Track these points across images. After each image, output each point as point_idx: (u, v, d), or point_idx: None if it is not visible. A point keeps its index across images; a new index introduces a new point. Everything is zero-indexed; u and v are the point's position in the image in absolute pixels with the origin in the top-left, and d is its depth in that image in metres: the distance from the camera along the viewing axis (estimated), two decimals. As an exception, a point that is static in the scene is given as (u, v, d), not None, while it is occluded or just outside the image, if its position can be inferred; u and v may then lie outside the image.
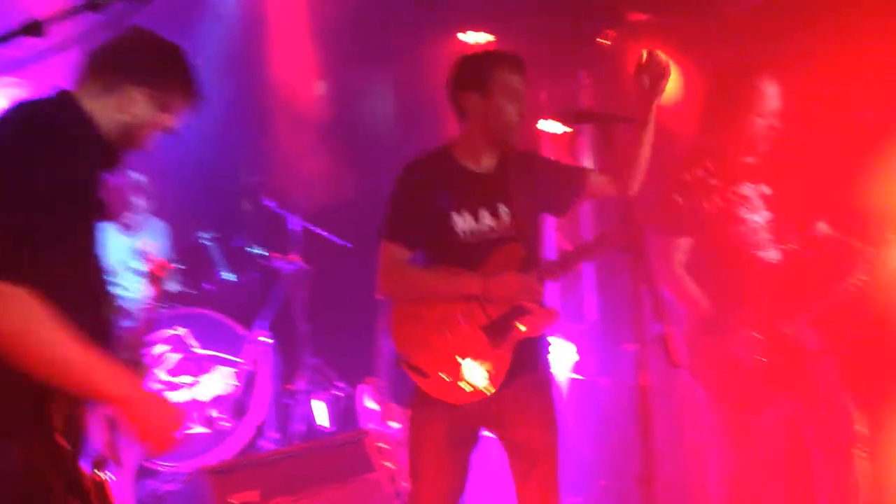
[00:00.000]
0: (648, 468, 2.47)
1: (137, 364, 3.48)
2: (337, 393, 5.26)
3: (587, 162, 4.70)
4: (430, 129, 5.43)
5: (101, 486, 2.06)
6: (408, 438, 3.03)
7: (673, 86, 4.73)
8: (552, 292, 5.16)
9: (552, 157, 3.19)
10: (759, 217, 3.53)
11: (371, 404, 4.60)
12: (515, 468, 3.00)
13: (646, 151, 3.08)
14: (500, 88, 2.95)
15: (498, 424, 2.99)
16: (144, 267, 3.69)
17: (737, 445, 3.54)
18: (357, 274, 4.69)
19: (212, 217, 5.42)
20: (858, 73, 3.89)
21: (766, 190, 3.56)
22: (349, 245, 5.36)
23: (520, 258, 2.99)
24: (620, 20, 4.90)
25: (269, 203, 5.32)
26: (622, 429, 4.36)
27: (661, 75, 2.97)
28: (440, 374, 2.91)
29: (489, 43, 5.14)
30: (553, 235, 5.02)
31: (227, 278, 5.35)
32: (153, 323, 3.72)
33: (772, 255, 3.52)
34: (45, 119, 2.05)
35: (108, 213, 2.12)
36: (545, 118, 3.98)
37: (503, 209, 3.01)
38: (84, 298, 2.05)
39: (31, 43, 1.88)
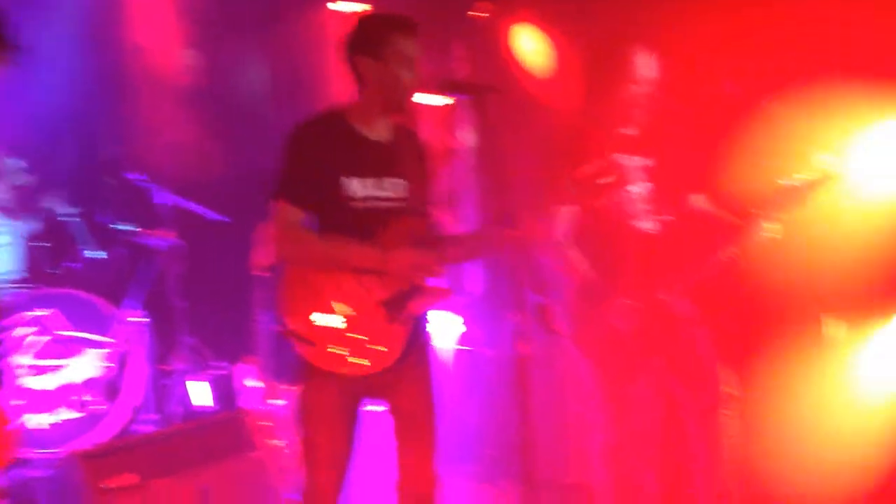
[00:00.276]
0: (527, 436, 2.50)
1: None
2: (216, 372, 5.15)
3: (464, 135, 4.72)
4: (303, 98, 5.35)
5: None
6: (297, 412, 2.97)
7: (547, 59, 4.81)
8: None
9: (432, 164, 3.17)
10: (637, 188, 3.59)
11: (252, 382, 4.52)
12: (400, 434, 3.00)
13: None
14: (395, 53, 2.91)
15: (386, 394, 2.98)
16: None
17: (615, 412, 3.61)
18: (233, 249, 4.62)
19: (73, 192, 5.17)
20: (730, 44, 3.98)
21: (645, 161, 3.62)
22: (224, 219, 5.23)
23: (417, 233, 2.97)
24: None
25: (134, 176, 5.11)
26: (506, 399, 4.42)
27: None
28: (332, 345, 2.86)
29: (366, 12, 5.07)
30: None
31: (93, 256, 5.14)
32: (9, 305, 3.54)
33: (649, 225, 3.59)
34: None
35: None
36: (421, 91, 3.95)
37: (399, 181, 2.98)
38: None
39: None
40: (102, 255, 5.18)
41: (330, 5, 5.15)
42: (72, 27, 5.06)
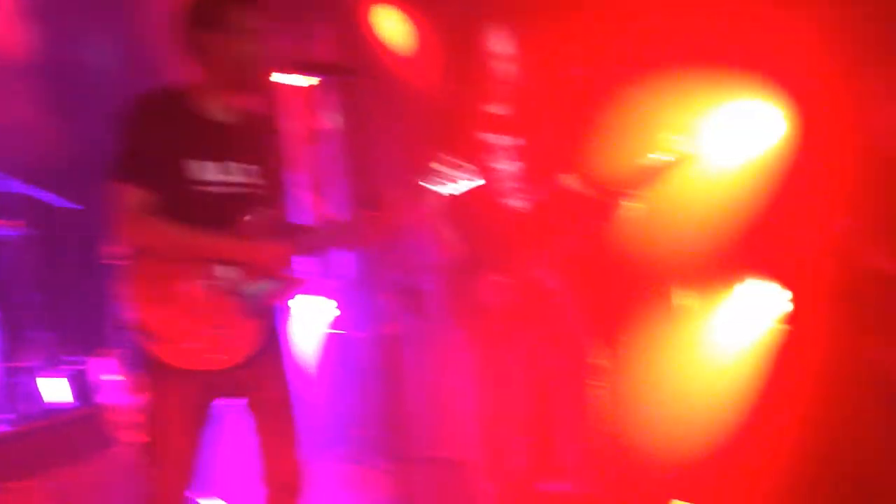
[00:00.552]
0: (398, 414, 2.50)
1: None
2: (73, 367, 4.91)
3: (329, 117, 4.65)
4: (158, 75, 5.12)
5: None
6: (145, 409, 2.82)
7: (409, 39, 4.79)
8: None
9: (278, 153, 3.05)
10: (507, 166, 3.65)
11: (110, 376, 4.35)
12: (260, 427, 2.92)
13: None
14: (233, 25, 2.77)
15: (242, 389, 2.88)
16: None
17: (488, 385, 3.69)
18: (86, 237, 4.39)
19: None
20: (590, 29, 4.06)
21: (514, 140, 3.68)
22: (74, 206, 4.98)
23: (271, 222, 2.87)
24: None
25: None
26: (379, 379, 4.41)
27: None
28: (183, 340, 2.73)
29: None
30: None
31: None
32: None
33: (519, 203, 3.66)
34: None
35: None
36: (282, 71, 3.88)
37: (248, 166, 2.86)
38: None
39: None
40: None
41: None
42: None
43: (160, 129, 2.74)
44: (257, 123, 2.95)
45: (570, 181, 3.74)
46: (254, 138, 2.90)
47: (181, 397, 2.77)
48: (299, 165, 3.11)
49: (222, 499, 3.51)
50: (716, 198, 3.59)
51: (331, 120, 4.48)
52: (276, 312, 2.93)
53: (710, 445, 3.46)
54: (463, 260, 3.61)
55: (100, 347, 4.39)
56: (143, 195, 2.71)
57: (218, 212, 2.78)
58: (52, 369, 4.84)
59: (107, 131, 2.95)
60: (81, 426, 3.89)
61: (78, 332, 4.93)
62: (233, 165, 2.84)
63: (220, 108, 2.86)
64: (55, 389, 4.79)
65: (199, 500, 3.59)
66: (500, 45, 3.60)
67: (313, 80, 3.97)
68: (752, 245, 3.54)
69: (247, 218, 2.82)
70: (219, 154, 2.81)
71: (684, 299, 3.84)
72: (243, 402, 2.92)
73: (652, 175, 3.49)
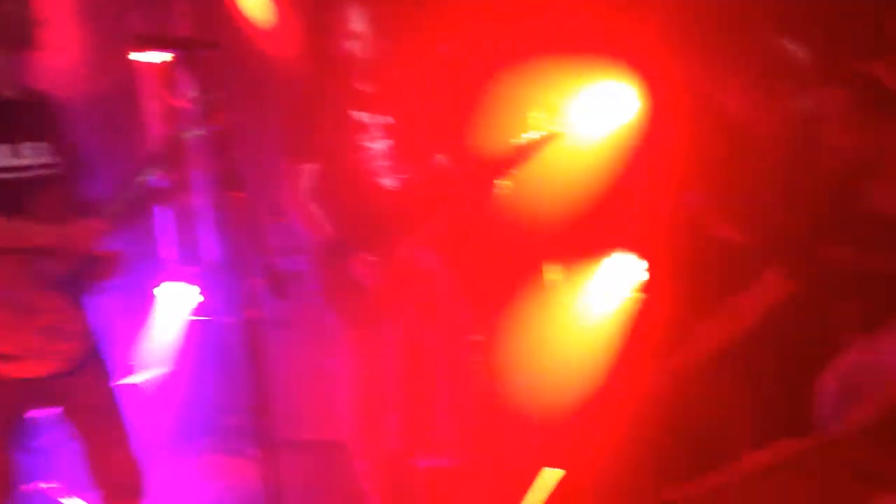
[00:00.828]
0: (265, 399, 2.46)
1: None
2: None
3: (186, 93, 4.49)
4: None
5: None
6: None
7: (270, 13, 4.68)
8: (171, 235, 4.95)
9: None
10: (378, 145, 3.61)
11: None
12: (84, 432, 2.78)
13: None
14: None
15: (60, 396, 2.72)
16: None
17: (362, 366, 3.65)
18: None
19: None
20: (460, 11, 4.06)
21: (386, 119, 3.64)
22: None
23: (73, 201, 2.71)
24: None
25: None
26: (247, 365, 4.33)
27: None
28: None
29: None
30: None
31: None
32: None
33: (390, 182, 3.62)
34: None
35: None
36: (136, 47, 3.74)
37: (40, 144, 2.68)
38: None
39: None
40: None
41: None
42: None
43: None
44: (39, 99, 2.76)
45: (441, 160, 3.73)
46: (37, 115, 2.71)
47: None
48: (157, 144, 2.97)
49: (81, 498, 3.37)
50: (579, 174, 3.67)
51: (188, 96, 4.32)
52: (94, 317, 2.78)
53: (576, 412, 3.57)
54: (334, 240, 3.55)
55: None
56: None
57: (17, 196, 2.60)
58: None
59: None
60: None
61: None
62: (28, 146, 2.66)
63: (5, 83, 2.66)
64: None
65: (61, 500, 3.45)
66: (359, 21, 3.55)
67: (169, 56, 3.83)
68: (612, 218, 3.65)
69: (47, 200, 2.64)
70: (10, 136, 2.62)
71: (553, 273, 3.90)
72: (59, 410, 2.76)
73: (522, 153, 3.52)
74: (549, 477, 3.48)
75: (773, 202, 2.81)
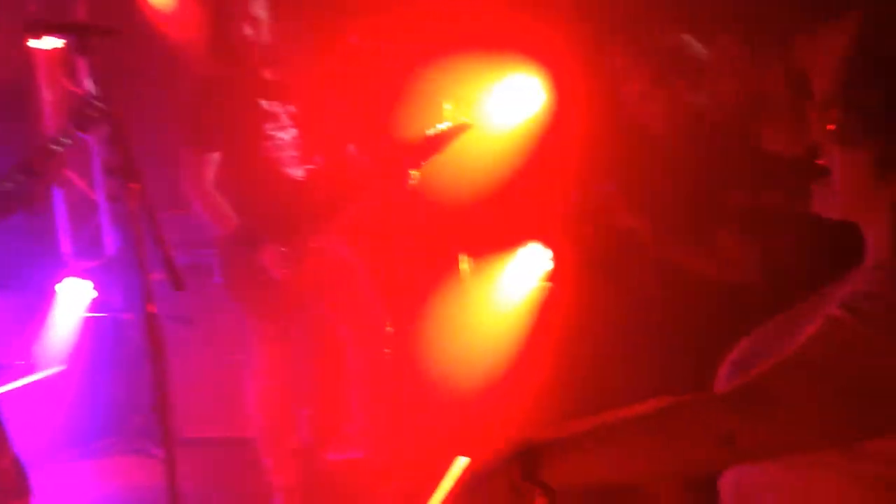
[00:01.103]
0: (164, 398, 2.41)
1: None
2: None
3: (81, 81, 4.36)
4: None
5: None
6: None
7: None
8: (64, 229, 4.80)
9: None
10: (285, 134, 3.56)
11: None
12: None
13: None
14: None
15: None
16: None
17: (271, 358, 3.60)
18: None
19: None
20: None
21: (292, 109, 3.59)
22: None
23: None
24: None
25: None
26: (145, 362, 4.22)
27: None
28: None
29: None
30: None
31: None
32: None
33: (298, 171, 3.58)
34: None
35: None
36: (31, 33, 3.60)
37: None
38: None
39: None
40: None
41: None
42: None
43: None
44: None
45: (352, 149, 3.71)
46: None
47: None
48: (53, 134, 2.87)
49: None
50: (488, 165, 3.71)
51: (83, 84, 4.19)
52: None
53: (485, 399, 3.63)
54: (240, 231, 3.48)
55: None
56: None
57: None
58: None
59: None
60: None
61: None
62: None
63: None
64: None
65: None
66: (264, 7, 3.49)
67: (63, 43, 3.71)
68: (519, 209, 3.70)
69: None
70: None
71: (467, 264, 3.92)
72: None
73: (433, 144, 3.52)
74: (462, 466, 3.49)
75: (672, 191, 2.88)
